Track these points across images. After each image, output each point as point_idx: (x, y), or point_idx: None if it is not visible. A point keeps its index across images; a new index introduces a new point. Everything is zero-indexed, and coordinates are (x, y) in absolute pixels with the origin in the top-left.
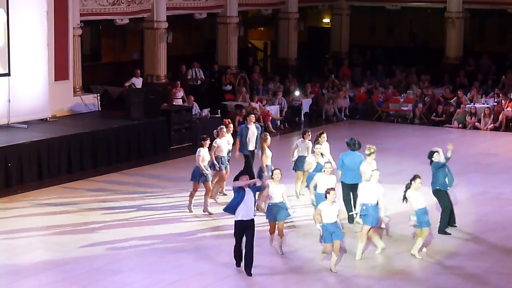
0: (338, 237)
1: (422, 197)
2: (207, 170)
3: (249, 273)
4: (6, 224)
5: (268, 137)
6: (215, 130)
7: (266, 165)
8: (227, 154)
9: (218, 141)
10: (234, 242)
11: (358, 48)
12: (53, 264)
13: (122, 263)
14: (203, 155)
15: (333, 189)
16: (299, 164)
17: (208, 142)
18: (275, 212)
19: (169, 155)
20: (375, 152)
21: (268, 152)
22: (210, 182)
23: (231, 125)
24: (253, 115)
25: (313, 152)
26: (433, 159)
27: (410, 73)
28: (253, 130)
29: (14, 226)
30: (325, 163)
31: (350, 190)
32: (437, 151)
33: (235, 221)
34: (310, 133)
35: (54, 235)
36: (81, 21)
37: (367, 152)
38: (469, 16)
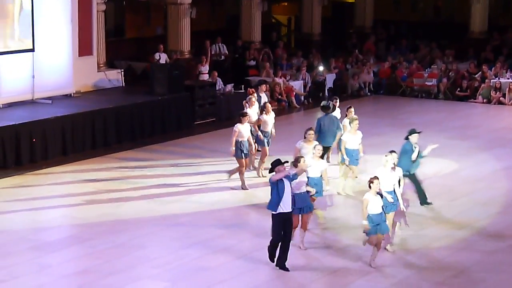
0: (383, 231)
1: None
2: (243, 146)
3: (285, 267)
4: (31, 199)
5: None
6: (244, 101)
7: (265, 131)
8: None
9: (249, 111)
10: (272, 237)
11: (382, 22)
12: (78, 239)
13: (146, 238)
14: (240, 130)
15: (376, 178)
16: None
17: (247, 118)
18: (300, 203)
19: (193, 131)
20: (357, 120)
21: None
22: (243, 159)
23: (255, 95)
24: (264, 85)
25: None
26: (409, 137)
27: (434, 47)
28: (264, 99)
29: (38, 201)
30: (315, 146)
31: (325, 152)
32: (418, 132)
33: (275, 215)
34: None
35: (78, 210)
36: None
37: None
38: None
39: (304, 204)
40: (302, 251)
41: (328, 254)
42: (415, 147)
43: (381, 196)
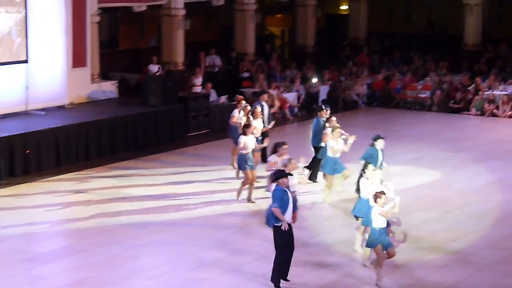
0: (386, 245)
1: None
2: (248, 159)
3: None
4: (24, 210)
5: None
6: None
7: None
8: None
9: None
10: (281, 254)
11: (376, 34)
12: (71, 251)
13: (140, 250)
14: (245, 142)
15: (383, 192)
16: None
17: (251, 129)
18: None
19: (187, 142)
20: (338, 128)
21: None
22: (251, 171)
23: (243, 102)
24: (266, 94)
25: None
26: (375, 143)
27: (428, 60)
28: (266, 109)
29: (32, 212)
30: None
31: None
32: (382, 138)
33: (279, 227)
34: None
35: (71, 222)
36: (99, 8)
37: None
38: (488, 2)
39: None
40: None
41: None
42: (379, 153)
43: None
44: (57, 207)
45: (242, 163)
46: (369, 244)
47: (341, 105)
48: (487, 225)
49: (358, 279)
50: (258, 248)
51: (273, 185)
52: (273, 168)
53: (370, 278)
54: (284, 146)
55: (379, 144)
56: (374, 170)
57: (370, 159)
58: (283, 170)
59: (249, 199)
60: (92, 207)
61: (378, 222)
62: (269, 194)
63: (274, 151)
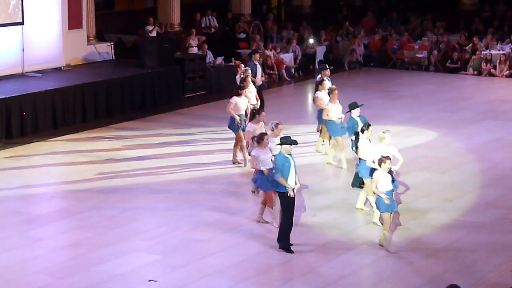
0: (393, 208)
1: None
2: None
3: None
4: (21, 173)
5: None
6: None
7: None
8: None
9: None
10: (286, 221)
11: None
12: (69, 212)
13: (137, 211)
14: (236, 103)
15: (389, 158)
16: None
17: (244, 92)
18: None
19: (183, 104)
20: (336, 90)
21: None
22: (242, 132)
23: (242, 65)
24: (257, 54)
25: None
26: (351, 112)
27: (425, 19)
28: (259, 68)
29: (29, 175)
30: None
31: None
32: (360, 105)
33: (284, 193)
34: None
35: (69, 183)
36: None
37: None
38: None
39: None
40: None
41: (318, 227)
42: (359, 120)
43: (391, 174)
44: (54, 169)
45: (234, 124)
46: (382, 209)
47: (346, 69)
48: (484, 185)
49: (358, 237)
50: (252, 210)
51: (255, 150)
52: (251, 141)
53: (368, 236)
54: (280, 126)
55: (355, 112)
56: (371, 131)
57: (353, 129)
58: (288, 137)
59: (234, 162)
60: (89, 169)
61: (385, 186)
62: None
63: (252, 118)
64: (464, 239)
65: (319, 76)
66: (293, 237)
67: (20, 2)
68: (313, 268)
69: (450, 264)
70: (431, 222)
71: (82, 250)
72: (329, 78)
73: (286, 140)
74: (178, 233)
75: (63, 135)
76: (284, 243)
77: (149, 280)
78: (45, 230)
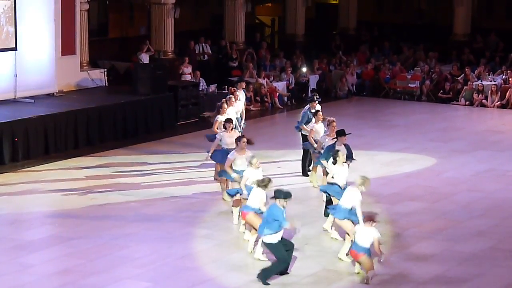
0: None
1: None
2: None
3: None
4: (12, 198)
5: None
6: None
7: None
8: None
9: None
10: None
11: (366, 24)
12: (59, 239)
13: (128, 238)
14: (221, 121)
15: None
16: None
17: (225, 110)
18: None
19: (176, 131)
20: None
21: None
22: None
23: (237, 93)
24: (243, 82)
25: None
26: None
27: (418, 49)
28: (243, 96)
29: (20, 200)
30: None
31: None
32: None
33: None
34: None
35: (60, 210)
36: None
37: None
38: None
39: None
40: None
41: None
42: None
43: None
44: (45, 195)
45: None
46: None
47: (333, 94)
48: (475, 215)
49: (349, 266)
50: (243, 239)
51: (233, 153)
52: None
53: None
54: (243, 140)
55: (341, 140)
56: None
57: (328, 154)
58: (281, 190)
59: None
60: (81, 196)
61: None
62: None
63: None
64: (455, 269)
65: (308, 107)
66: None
67: (14, 28)
68: None
69: None
70: (422, 252)
71: (73, 277)
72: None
73: (279, 195)
74: (169, 260)
75: (55, 161)
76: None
77: None
78: (36, 257)
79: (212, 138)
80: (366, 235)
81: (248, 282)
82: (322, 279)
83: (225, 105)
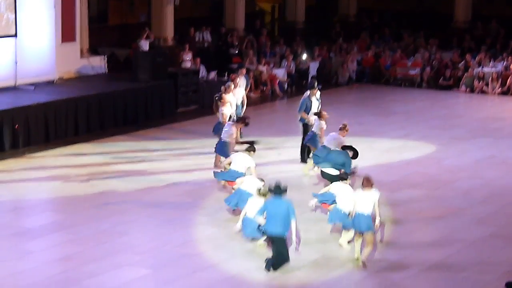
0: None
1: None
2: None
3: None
4: (12, 186)
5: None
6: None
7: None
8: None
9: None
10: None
11: (366, 11)
12: (60, 226)
13: (129, 225)
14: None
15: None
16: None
17: (225, 101)
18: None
19: (176, 118)
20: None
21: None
22: None
23: (238, 79)
24: (244, 68)
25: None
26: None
27: (418, 36)
28: (242, 81)
29: (20, 188)
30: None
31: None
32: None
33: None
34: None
35: (60, 197)
36: None
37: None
38: None
39: None
40: None
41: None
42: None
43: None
44: (46, 182)
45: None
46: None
47: (334, 81)
48: (475, 202)
49: (350, 254)
50: None
51: None
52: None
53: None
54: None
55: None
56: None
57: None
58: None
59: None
60: (81, 183)
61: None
62: None
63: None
64: (455, 256)
65: (308, 93)
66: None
67: (14, 14)
68: (304, 284)
69: (441, 281)
70: (422, 239)
71: (73, 264)
72: (318, 98)
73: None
74: (169, 247)
75: (55, 148)
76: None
77: None
78: (36, 244)
79: (218, 129)
80: (367, 200)
81: (249, 268)
82: (322, 266)
83: (224, 95)
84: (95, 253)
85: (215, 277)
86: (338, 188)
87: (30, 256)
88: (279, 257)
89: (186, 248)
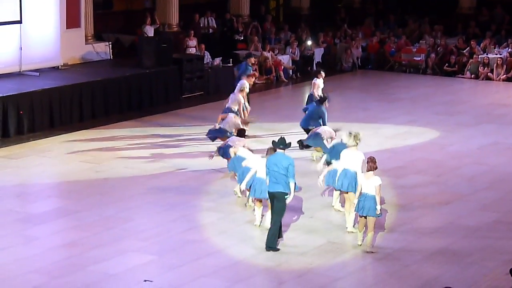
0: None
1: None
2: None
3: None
4: (17, 171)
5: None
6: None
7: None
8: None
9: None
10: (279, 222)
11: None
12: (65, 212)
13: (133, 211)
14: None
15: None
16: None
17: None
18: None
19: (181, 104)
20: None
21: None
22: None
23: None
24: (252, 57)
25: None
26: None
27: (423, 23)
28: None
29: (25, 173)
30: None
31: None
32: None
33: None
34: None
35: (65, 183)
36: None
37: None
38: None
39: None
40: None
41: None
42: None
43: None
44: (51, 168)
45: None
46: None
47: (338, 67)
48: (480, 188)
49: (354, 240)
50: (248, 211)
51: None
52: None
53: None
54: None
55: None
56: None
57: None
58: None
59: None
60: (86, 169)
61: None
62: None
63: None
64: (459, 243)
65: (316, 79)
66: (289, 239)
67: (19, 1)
68: (309, 270)
69: (445, 267)
70: (426, 225)
71: (78, 250)
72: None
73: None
74: (174, 233)
75: (60, 134)
76: (275, 243)
77: (145, 280)
78: (41, 229)
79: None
80: (370, 185)
81: (254, 254)
82: (327, 252)
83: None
84: (100, 239)
85: (220, 263)
86: (342, 155)
87: (35, 242)
88: (280, 213)
89: (191, 234)
